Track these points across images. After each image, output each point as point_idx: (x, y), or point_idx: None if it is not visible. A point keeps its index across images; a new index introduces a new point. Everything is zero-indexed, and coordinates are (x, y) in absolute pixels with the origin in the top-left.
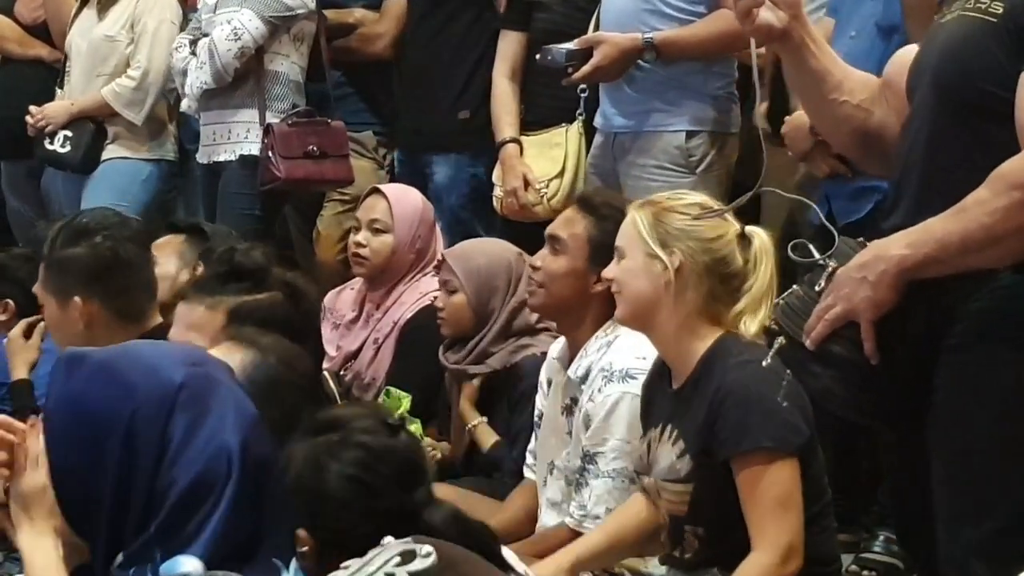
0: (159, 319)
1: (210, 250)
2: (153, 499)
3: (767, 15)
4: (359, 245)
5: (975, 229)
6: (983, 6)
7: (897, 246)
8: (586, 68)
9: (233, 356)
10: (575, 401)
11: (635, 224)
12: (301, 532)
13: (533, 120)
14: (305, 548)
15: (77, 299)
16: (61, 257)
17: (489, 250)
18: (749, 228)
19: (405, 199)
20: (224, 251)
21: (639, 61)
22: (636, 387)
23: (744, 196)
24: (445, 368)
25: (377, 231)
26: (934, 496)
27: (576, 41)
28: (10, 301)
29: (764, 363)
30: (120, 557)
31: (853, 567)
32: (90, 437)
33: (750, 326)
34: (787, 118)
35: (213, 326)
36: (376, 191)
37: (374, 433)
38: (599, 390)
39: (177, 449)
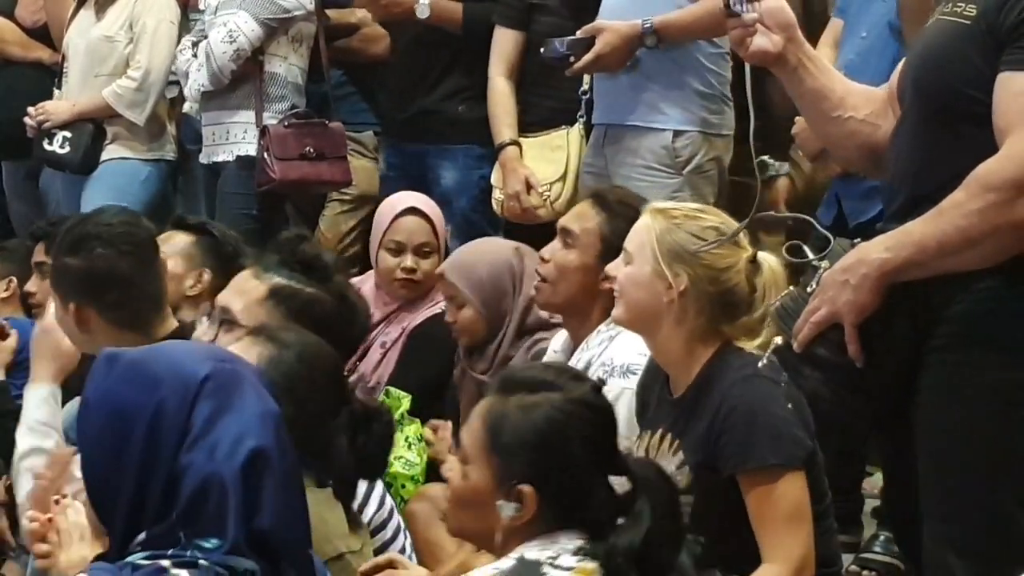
0: (173, 324)
1: (276, 237)
2: (173, 483)
3: (761, 40)
4: (409, 270)
5: (951, 232)
6: (959, 9)
7: (877, 249)
8: (588, 57)
9: (251, 351)
10: None
11: (647, 233)
12: (526, 488)
13: (532, 122)
14: (523, 503)
15: (72, 305)
16: (60, 264)
17: (487, 256)
18: (761, 255)
19: (440, 215)
20: (292, 237)
21: (640, 48)
22: (636, 383)
23: (742, 223)
24: (474, 380)
25: (426, 254)
26: (920, 494)
27: (579, 31)
28: (14, 279)
29: (760, 364)
30: (142, 535)
31: (853, 567)
32: (118, 429)
33: (750, 342)
34: (797, 118)
35: (254, 295)
36: (413, 211)
37: (586, 393)
38: None
39: (198, 434)
